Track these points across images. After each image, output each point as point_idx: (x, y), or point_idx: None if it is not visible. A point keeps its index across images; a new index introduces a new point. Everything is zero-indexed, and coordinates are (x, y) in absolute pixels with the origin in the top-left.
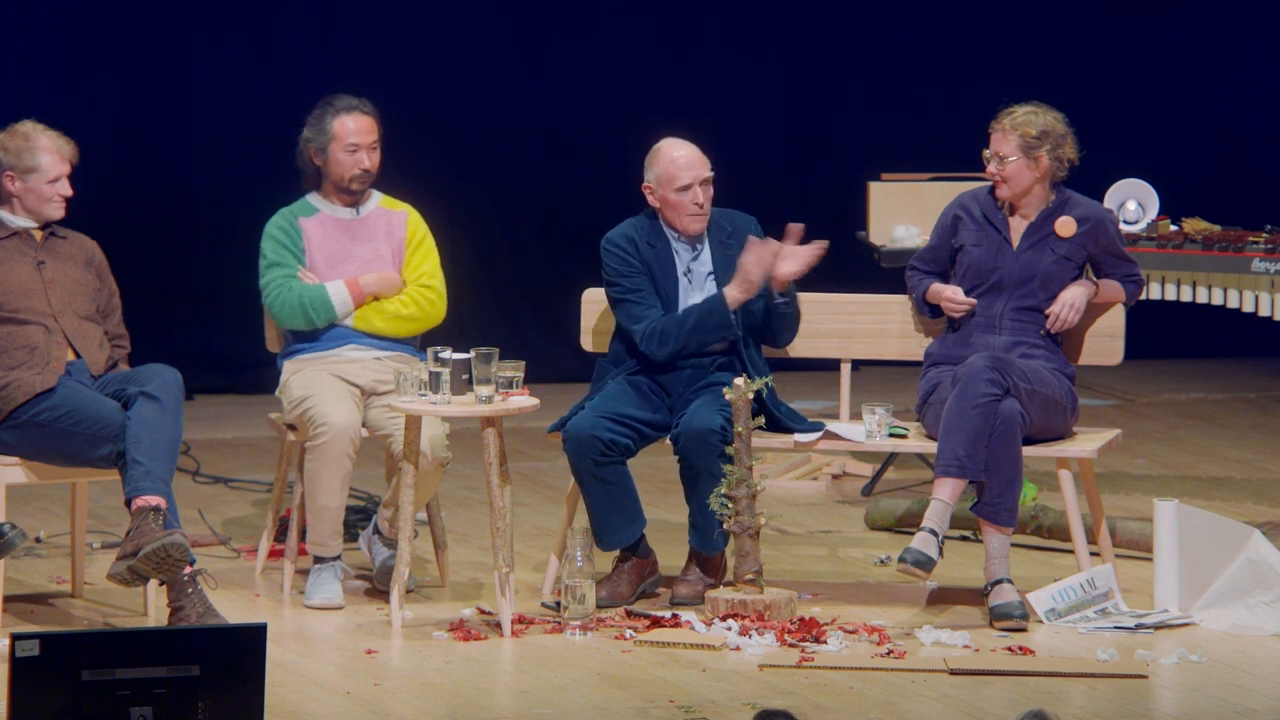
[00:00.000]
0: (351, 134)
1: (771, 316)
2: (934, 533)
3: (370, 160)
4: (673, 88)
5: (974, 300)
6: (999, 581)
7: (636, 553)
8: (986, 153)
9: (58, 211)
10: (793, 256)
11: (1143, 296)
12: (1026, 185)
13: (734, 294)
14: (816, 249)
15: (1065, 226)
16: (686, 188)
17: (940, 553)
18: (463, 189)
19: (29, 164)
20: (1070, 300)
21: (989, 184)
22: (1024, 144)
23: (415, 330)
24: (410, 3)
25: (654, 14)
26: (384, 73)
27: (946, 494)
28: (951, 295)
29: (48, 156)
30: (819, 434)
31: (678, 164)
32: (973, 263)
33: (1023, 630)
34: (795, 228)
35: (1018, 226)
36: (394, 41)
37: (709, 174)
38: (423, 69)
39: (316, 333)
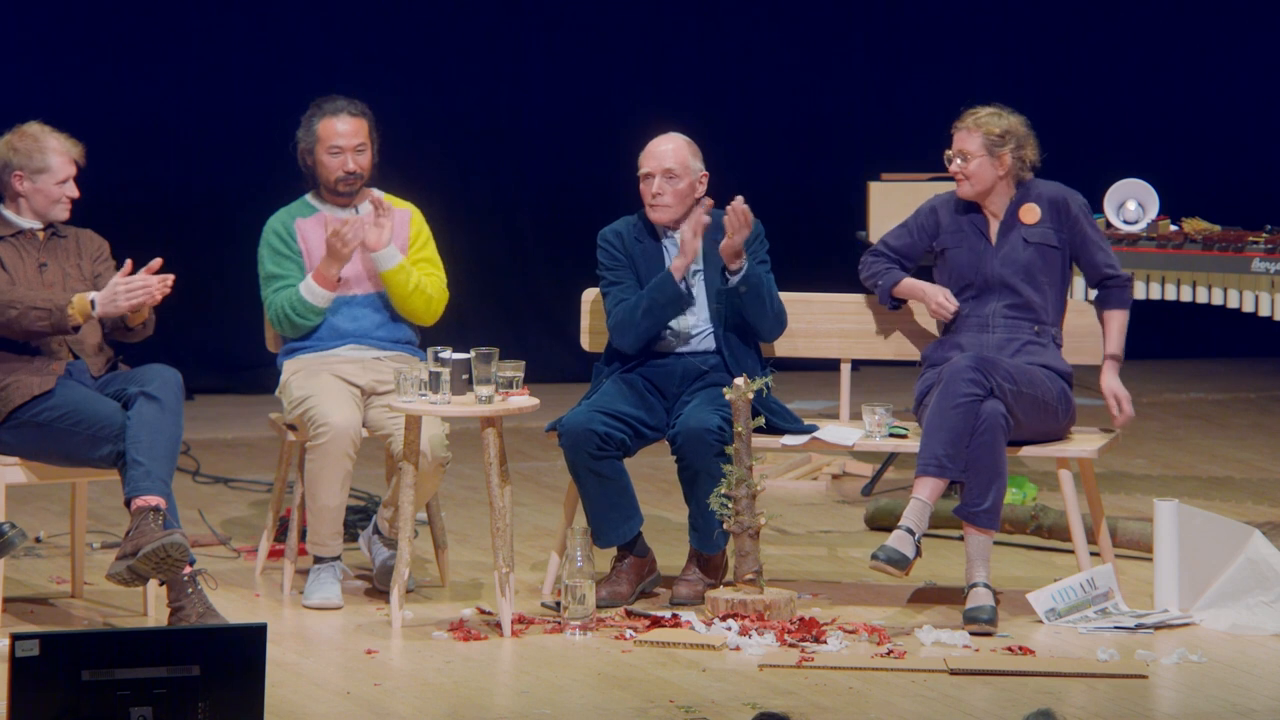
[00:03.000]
0: (335, 136)
1: (736, 300)
2: (910, 531)
3: (356, 163)
4: (673, 88)
5: (957, 305)
6: (974, 585)
7: (634, 551)
8: (949, 152)
9: (63, 213)
10: (728, 227)
11: (1143, 296)
12: (989, 184)
13: (676, 263)
14: (739, 214)
15: (1029, 213)
16: (647, 176)
17: (918, 551)
18: (463, 189)
19: (39, 164)
20: (1113, 391)
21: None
22: (988, 142)
23: (431, 312)
24: (410, 3)
25: (654, 14)
26: (383, 72)
27: (925, 493)
28: (944, 302)
29: (58, 158)
30: (807, 438)
31: (647, 152)
32: (954, 266)
33: (990, 635)
34: (737, 198)
35: (992, 225)
36: (393, 41)
37: (670, 166)
38: (423, 69)
39: (314, 332)
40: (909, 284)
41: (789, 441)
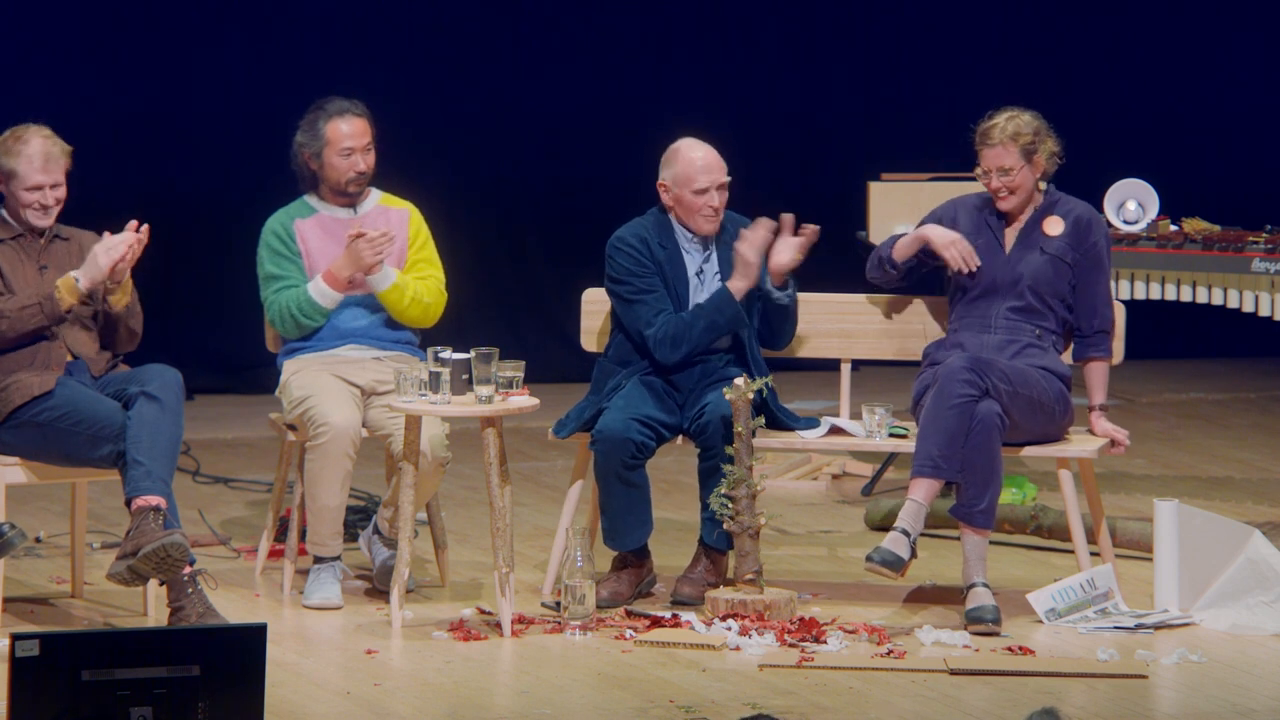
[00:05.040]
0: (345, 138)
1: (771, 313)
2: (906, 533)
3: (365, 162)
4: (673, 88)
5: (973, 253)
6: (974, 585)
7: (638, 555)
8: (981, 169)
9: (38, 219)
10: (786, 246)
11: (1143, 296)
12: (1030, 190)
13: (737, 284)
14: (809, 236)
15: (1053, 225)
16: (703, 191)
17: (913, 553)
18: (463, 189)
19: (9, 168)
20: (1108, 433)
21: (981, 192)
22: (1025, 151)
23: (428, 317)
24: (411, 3)
25: (654, 15)
26: (384, 73)
27: (921, 494)
28: (957, 242)
29: (26, 165)
30: (824, 430)
31: (696, 166)
32: None
33: (994, 635)
34: (786, 218)
35: (1011, 230)
36: (394, 41)
37: (725, 179)
38: (423, 69)
39: (316, 332)
40: (909, 237)
41: (806, 434)
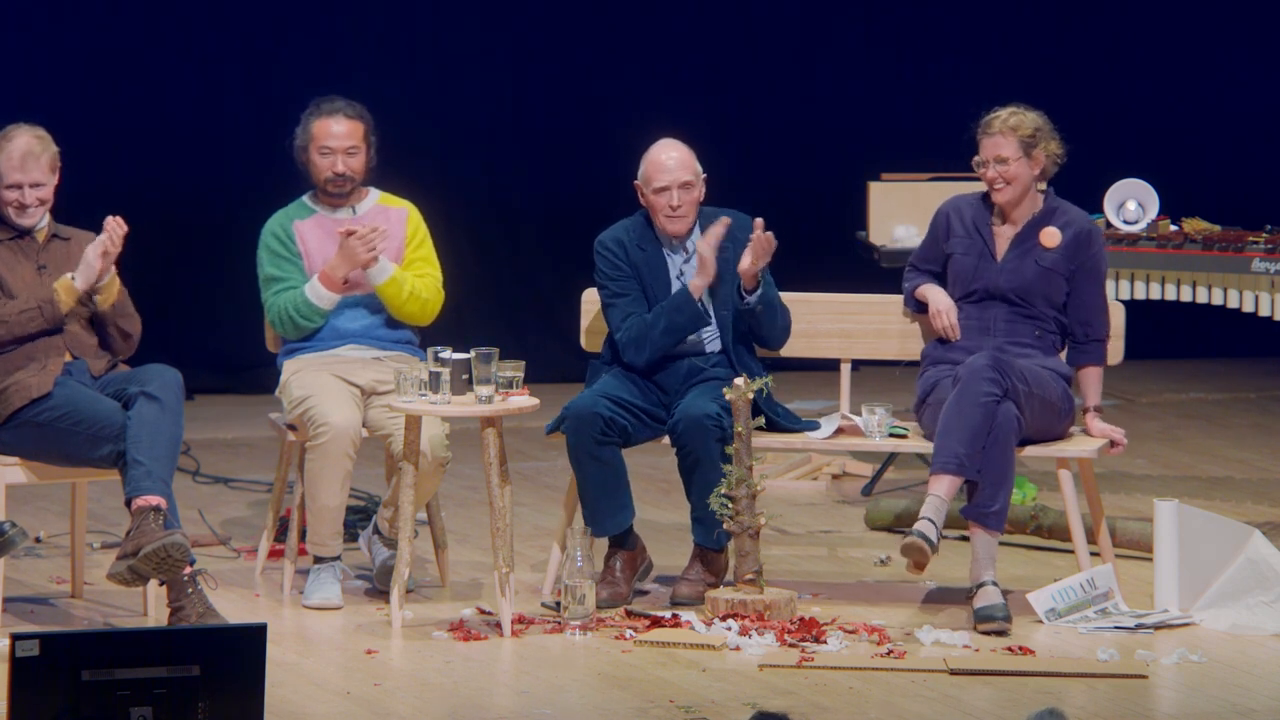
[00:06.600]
0: (327, 137)
1: (745, 316)
2: (933, 522)
3: (346, 165)
4: (673, 88)
5: (957, 332)
6: (983, 584)
7: (625, 545)
8: (979, 159)
9: (17, 218)
10: (747, 251)
11: (1143, 296)
12: (1027, 185)
13: (695, 282)
14: (760, 243)
15: (1050, 238)
16: (662, 190)
17: (935, 547)
18: (463, 189)
19: None
20: (1104, 432)
21: (981, 190)
22: (1024, 143)
23: (426, 314)
24: (412, 4)
25: (655, 14)
26: (384, 72)
27: (943, 490)
28: (946, 314)
29: (5, 163)
30: (833, 426)
31: (658, 166)
32: (960, 272)
33: (1004, 634)
34: (757, 222)
35: (1005, 235)
36: (395, 42)
37: (688, 179)
38: (423, 68)
39: (315, 332)
40: (923, 289)
41: (814, 435)
